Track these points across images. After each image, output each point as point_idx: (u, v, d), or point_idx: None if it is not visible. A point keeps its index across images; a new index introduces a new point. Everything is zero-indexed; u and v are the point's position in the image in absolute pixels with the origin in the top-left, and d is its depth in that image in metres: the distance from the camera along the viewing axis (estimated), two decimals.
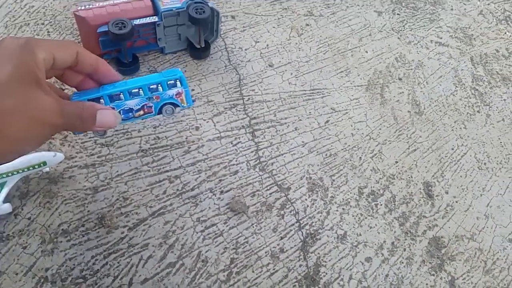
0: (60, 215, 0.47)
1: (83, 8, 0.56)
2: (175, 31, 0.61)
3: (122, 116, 0.37)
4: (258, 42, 0.67)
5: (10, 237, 0.45)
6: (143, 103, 0.38)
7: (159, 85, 0.39)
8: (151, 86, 0.38)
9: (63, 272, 0.44)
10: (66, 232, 0.46)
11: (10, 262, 0.44)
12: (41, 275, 0.44)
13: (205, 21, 0.59)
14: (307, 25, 0.71)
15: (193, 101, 0.43)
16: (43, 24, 0.63)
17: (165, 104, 0.39)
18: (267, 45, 0.67)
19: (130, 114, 0.38)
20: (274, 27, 0.70)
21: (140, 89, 0.38)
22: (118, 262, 0.45)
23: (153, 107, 0.39)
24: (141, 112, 0.38)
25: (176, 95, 0.39)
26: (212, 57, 0.63)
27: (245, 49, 0.66)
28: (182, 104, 0.39)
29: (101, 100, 0.37)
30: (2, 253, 0.44)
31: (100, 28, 0.55)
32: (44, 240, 0.45)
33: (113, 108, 0.37)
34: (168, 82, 0.39)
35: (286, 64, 0.65)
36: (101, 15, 0.55)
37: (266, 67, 0.64)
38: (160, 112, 0.39)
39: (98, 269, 0.45)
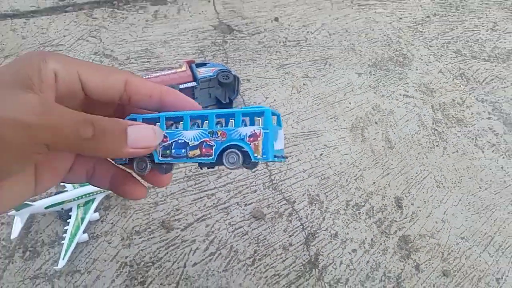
0: (133, 220, 0.67)
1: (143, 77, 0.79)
2: (207, 92, 0.83)
3: (173, 151, 0.29)
4: (268, 97, 0.89)
5: (99, 236, 0.65)
6: (203, 139, 0.28)
7: (232, 118, 0.29)
8: (219, 119, 0.29)
9: (137, 259, 0.63)
10: (138, 232, 0.66)
11: (100, 252, 0.63)
12: (122, 261, 0.62)
13: (230, 84, 0.81)
14: (304, 84, 0.94)
15: (282, 157, 0.30)
16: None
17: (229, 147, 0.28)
18: (274, 100, 0.89)
19: (183, 150, 0.29)
20: (279, 87, 0.92)
21: (206, 121, 0.29)
22: (175, 252, 0.64)
23: (213, 148, 0.28)
24: (197, 152, 0.29)
25: (249, 137, 0.27)
26: None
27: (258, 103, 0.88)
28: (255, 155, 0.27)
29: (157, 124, 0.30)
30: (95, 246, 0.63)
31: None
32: (123, 238, 0.65)
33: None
34: (243, 118, 0.28)
35: (289, 113, 0.87)
36: (157, 82, 0.78)
37: None
38: (220, 160, 0.28)
39: (161, 257, 0.63)
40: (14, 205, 0.27)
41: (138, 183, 0.31)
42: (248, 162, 0.28)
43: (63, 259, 0.60)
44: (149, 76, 0.79)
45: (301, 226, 0.70)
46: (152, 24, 1.02)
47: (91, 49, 0.94)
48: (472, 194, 0.78)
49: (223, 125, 0.29)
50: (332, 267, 0.66)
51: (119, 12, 1.04)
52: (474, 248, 0.71)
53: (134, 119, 0.30)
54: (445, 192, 0.78)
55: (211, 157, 0.28)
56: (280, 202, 0.72)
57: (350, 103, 0.91)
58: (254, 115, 0.28)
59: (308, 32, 1.06)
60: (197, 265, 0.63)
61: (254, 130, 0.27)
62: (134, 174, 0.31)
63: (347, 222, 0.71)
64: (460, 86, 1.00)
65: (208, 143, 0.28)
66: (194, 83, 0.80)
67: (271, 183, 0.75)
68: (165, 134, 0.29)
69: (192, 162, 0.29)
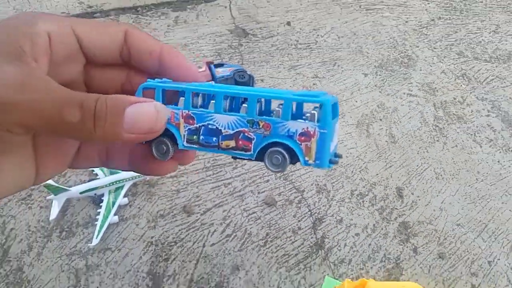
0: (157, 205, 0.74)
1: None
2: None
3: (202, 138, 0.24)
4: None
5: (128, 218, 0.73)
6: (240, 128, 0.24)
7: (280, 105, 0.23)
8: (262, 103, 0.25)
9: (161, 239, 0.71)
10: (162, 216, 0.73)
11: (129, 233, 0.71)
12: (148, 241, 0.70)
13: (245, 83, 0.89)
14: (314, 84, 1.01)
15: (336, 156, 0.25)
16: None
17: (274, 144, 0.23)
18: None
19: (214, 139, 0.24)
20: (290, 86, 0.99)
21: (244, 103, 0.24)
22: (195, 234, 0.72)
23: (253, 142, 0.24)
24: (231, 143, 0.24)
25: (300, 135, 0.23)
26: None
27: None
28: (306, 159, 0.23)
29: (181, 98, 0.25)
30: (124, 227, 0.71)
31: None
32: (148, 220, 0.72)
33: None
34: (294, 109, 0.24)
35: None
36: None
37: None
38: (260, 158, 0.24)
39: (183, 237, 0.71)
40: (9, 194, 0.24)
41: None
42: (294, 162, 0.24)
43: (96, 238, 0.68)
44: None
45: (309, 212, 0.77)
46: (173, 28, 1.10)
47: None
48: (469, 185, 0.84)
49: (262, 106, 0.25)
50: (337, 248, 0.72)
51: (142, 18, 1.12)
52: (469, 234, 0.77)
53: (150, 89, 0.25)
54: (444, 183, 0.84)
55: (249, 153, 0.24)
56: (290, 190, 0.79)
57: (356, 101, 0.98)
58: (310, 102, 0.23)
59: (318, 35, 1.13)
60: (215, 245, 0.71)
61: (307, 128, 0.22)
62: None
63: (351, 209, 0.78)
64: (461, 85, 1.06)
65: (246, 134, 0.24)
66: (212, 82, 0.88)
67: (282, 173, 0.82)
68: (192, 115, 0.24)
69: (225, 154, 0.25)
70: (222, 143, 0.24)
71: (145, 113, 0.22)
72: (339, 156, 0.26)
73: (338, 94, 0.99)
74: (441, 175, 0.86)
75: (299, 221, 0.75)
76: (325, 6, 1.24)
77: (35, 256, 0.67)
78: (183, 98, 0.25)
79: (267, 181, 0.80)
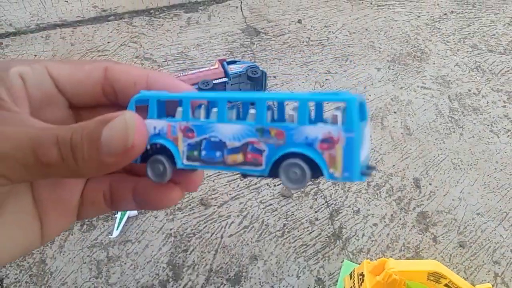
0: None
1: (181, 75, 0.88)
2: (237, 86, 0.92)
3: (204, 153, 0.21)
4: (293, 92, 0.97)
5: (146, 212, 0.73)
6: (248, 139, 0.20)
7: (295, 108, 0.20)
8: (274, 109, 0.21)
9: (180, 230, 0.71)
10: (180, 209, 0.74)
11: (148, 225, 0.72)
12: (167, 233, 0.71)
13: (258, 79, 0.89)
14: (326, 79, 1.01)
15: (369, 169, 0.20)
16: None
17: (290, 156, 0.19)
18: None
19: (218, 154, 0.21)
20: (303, 82, 1.00)
21: (252, 108, 0.20)
22: (213, 225, 0.72)
23: (264, 155, 0.20)
24: (239, 158, 0.20)
25: (322, 142, 0.19)
26: None
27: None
28: (331, 171, 0.19)
29: (178, 109, 0.22)
30: (143, 220, 0.72)
31: (193, 86, 0.87)
32: (167, 213, 0.73)
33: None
34: (312, 113, 0.20)
35: (312, 107, 0.94)
36: (193, 78, 0.87)
37: None
38: (275, 174, 0.20)
39: (201, 229, 0.71)
40: (13, 259, 0.22)
41: (164, 186, 0.24)
42: (316, 177, 0.19)
43: (116, 229, 0.69)
44: (186, 74, 0.88)
45: (326, 204, 0.76)
46: (186, 29, 1.12)
47: (132, 54, 1.04)
48: (488, 175, 0.83)
49: (274, 115, 0.21)
50: (355, 238, 0.72)
51: (155, 20, 1.14)
52: (489, 223, 0.76)
53: (143, 101, 0.22)
54: (462, 173, 0.83)
55: (260, 168, 0.20)
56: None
57: (370, 95, 0.98)
58: (333, 101, 0.19)
59: (329, 32, 1.14)
60: (233, 236, 0.71)
61: (330, 133, 0.18)
62: None
63: (368, 200, 0.78)
64: (476, 77, 1.05)
65: (255, 145, 0.20)
66: (225, 79, 0.89)
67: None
68: (191, 127, 0.21)
69: (232, 171, 0.21)
70: (227, 158, 0.20)
71: (115, 128, 0.19)
72: (373, 168, 0.21)
73: (351, 89, 0.99)
74: (458, 165, 0.85)
75: (316, 212, 0.75)
76: (336, 3, 1.24)
77: (57, 249, 0.68)
78: (181, 108, 0.22)
79: None
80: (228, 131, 0.20)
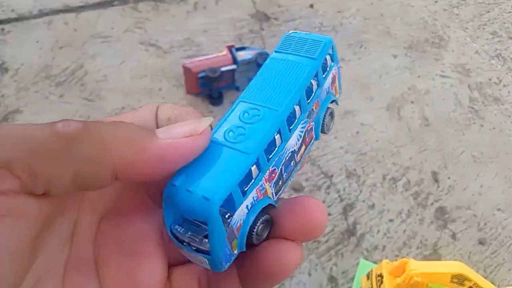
0: None
1: (187, 62, 0.84)
2: (247, 74, 0.88)
3: (285, 176, 0.21)
4: None
5: None
6: (304, 129, 0.21)
7: (315, 77, 0.21)
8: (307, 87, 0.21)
9: None
10: None
11: None
12: None
13: None
14: (340, 67, 0.96)
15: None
16: (156, 75, 0.92)
17: (325, 111, 0.22)
18: None
19: (292, 162, 0.21)
20: None
21: (297, 104, 0.20)
22: None
23: (314, 127, 0.22)
24: (302, 148, 0.21)
25: (332, 84, 0.23)
26: None
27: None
28: (334, 94, 0.23)
29: (252, 168, 0.18)
30: None
31: (200, 74, 0.83)
32: None
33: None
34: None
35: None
36: (200, 66, 0.83)
37: None
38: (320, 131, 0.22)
39: None
40: None
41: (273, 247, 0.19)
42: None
43: None
44: (193, 60, 0.84)
45: (339, 198, 0.73)
46: (193, 15, 1.08)
47: (137, 39, 1.00)
48: (509, 169, 0.79)
49: (311, 91, 0.22)
50: (370, 235, 0.69)
51: (161, 5, 1.10)
52: (511, 219, 0.72)
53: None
54: (482, 166, 0.79)
55: (313, 139, 0.22)
56: (318, 176, 0.76)
57: (385, 84, 0.93)
58: (324, 54, 0.22)
59: (343, 17, 1.09)
60: None
61: (332, 74, 0.22)
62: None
63: (383, 194, 0.74)
64: (496, 66, 1.00)
65: (309, 128, 0.21)
66: (234, 66, 0.85)
67: (309, 158, 0.78)
68: (273, 168, 0.19)
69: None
70: (297, 158, 0.21)
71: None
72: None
73: (366, 77, 0.95)
74: (479, 158, 0.81)
75: (328, 206, 0.72)
76: None
77: None
78: (255, 166, 0.18)
79: None
80: (293, 140, 0.20)
